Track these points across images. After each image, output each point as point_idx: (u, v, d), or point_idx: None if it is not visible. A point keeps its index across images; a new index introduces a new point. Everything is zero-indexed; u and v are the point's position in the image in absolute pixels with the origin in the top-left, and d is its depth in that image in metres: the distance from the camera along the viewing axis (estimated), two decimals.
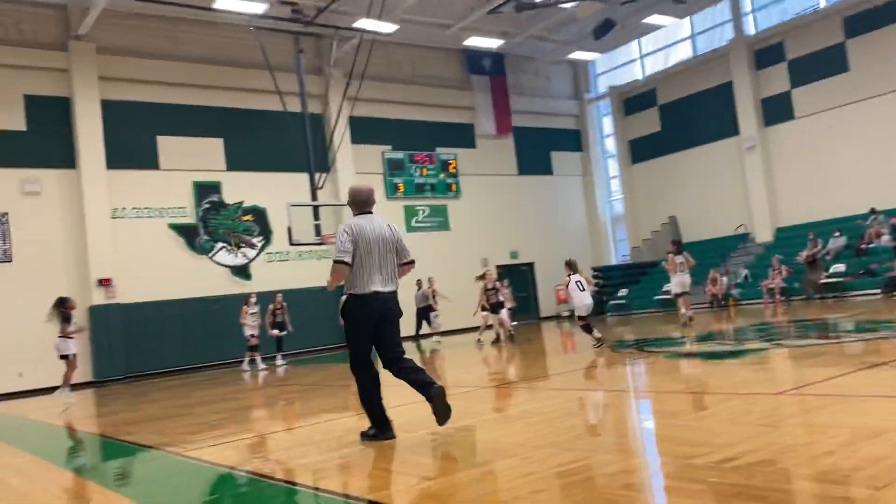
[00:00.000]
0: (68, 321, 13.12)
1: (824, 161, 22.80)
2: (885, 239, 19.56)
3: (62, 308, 13.11)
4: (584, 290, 12.05)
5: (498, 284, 16.85)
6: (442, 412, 5.37)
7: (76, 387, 17.29)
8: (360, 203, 5.65)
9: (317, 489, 4.35)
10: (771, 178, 24.27)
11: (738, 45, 24.52)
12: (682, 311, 14.92)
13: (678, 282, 15.21)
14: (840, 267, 19.70)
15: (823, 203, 22.63)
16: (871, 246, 19.93)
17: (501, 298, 16.37)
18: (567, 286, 12.19)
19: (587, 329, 11.93)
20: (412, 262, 5.69)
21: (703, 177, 26.07)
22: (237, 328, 20.39)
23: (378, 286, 5.41)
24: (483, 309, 16.66)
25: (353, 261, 5.37)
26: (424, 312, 19.53)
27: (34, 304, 18.01)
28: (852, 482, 3.18)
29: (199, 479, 5.23)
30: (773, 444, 4.01)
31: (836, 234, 20.76)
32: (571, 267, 12.21)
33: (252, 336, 16.47)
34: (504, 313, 16.25)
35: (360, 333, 5.44)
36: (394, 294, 5.54)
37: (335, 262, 5.39)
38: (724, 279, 21.79)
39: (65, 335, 13.07)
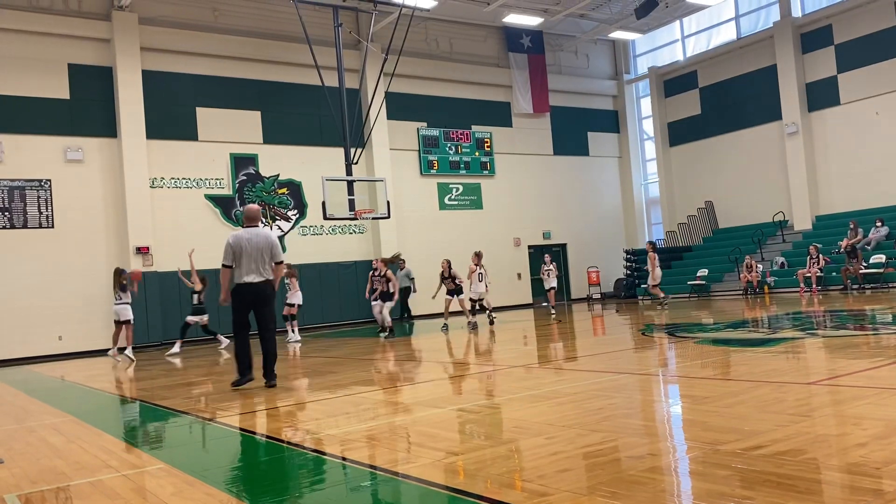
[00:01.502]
0: (124, 290, 14.45)
1: (868, 148, 22.27)
2: None
3: (119, 278, 14.45)
4: (481, 280, 15.28)
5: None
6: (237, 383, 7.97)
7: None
8: (248, 219, 8.25)
9: (345, 459, 4.43)
10: (812, 164, 23.77)
11: (784, 27, 23.94)
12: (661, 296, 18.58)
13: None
14: (880, 258, 19.29)
15: (865, 192, 22.14)
16: None
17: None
18: (472, 273, 15.24)
19: (474, 311, 15.46)
20: (280, 262, 8.17)
21: (743, 162, 25.64)
22: None
23: (250, 279, 7.85)
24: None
25: (234, 262, 7.88)
26: (406, 293, 19.33)
27: (74, 269, 18.50)
28: (884, 475, 3.15)
29: (229, 445, 5.35)
30: (803, 434, 3.98)
31: (878, 223, 20.31)
32: (479, 258, 15.32)
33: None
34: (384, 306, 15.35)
35: (236, 309, 7.93)
36: (264, 283, 7.91)
37: (221, 265, 8.04)
38: (760, 266, 21.48)
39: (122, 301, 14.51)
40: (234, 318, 7.96)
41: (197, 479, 4.13)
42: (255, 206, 8.48)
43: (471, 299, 15.60)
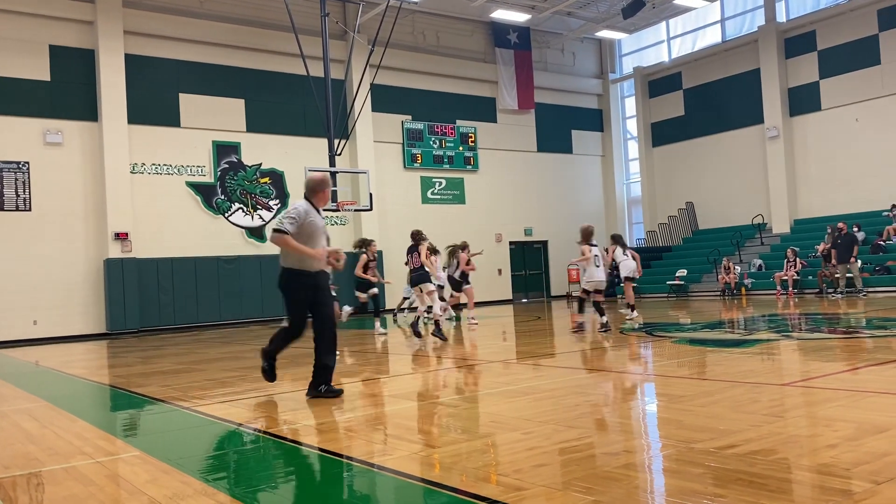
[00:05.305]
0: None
1: (848, 154, 22.55)
2: None
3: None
4: (598, 265, 11.46)
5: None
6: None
7: (92, 337, 17.60)
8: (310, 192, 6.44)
9: (321, 450, 4.43)
10: (792, 168, 24.03)
11: (769, 32, 24.14)
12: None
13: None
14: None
15: (844, 197, 22.42)
16: (889, 242, 19.77)
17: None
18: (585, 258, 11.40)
19: (582, 307, 11.76)
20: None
21: (724, 164, 25.86)
22: (249, 288, 20.61)
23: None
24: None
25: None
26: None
27: (51, 253, 18.29)
28: (853, 476, 3.20)
29: (206, 433, 5.33)
30: (775, 434, 4.03)
31: (855, 228, 20.56)
32: (590, 236, 11.57)
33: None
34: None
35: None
36: (281, 270, 6.31)
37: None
38: (738, 268, 21.69)
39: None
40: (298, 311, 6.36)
41: (172, 467, 4.11)
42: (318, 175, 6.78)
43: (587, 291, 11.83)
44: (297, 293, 6.19)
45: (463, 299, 15.35)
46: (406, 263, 12.10)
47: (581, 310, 11.72)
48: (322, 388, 6.21)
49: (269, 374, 6.54)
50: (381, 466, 3.90)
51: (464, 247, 15.13)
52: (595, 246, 11.48)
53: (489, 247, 25.60)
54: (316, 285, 6.23)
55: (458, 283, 15.09)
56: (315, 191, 6.41)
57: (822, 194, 23.24)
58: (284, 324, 6.43)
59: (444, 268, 15.47)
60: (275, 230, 6.15)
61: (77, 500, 3.56)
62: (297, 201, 6.42)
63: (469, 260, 15.14)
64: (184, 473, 3.95)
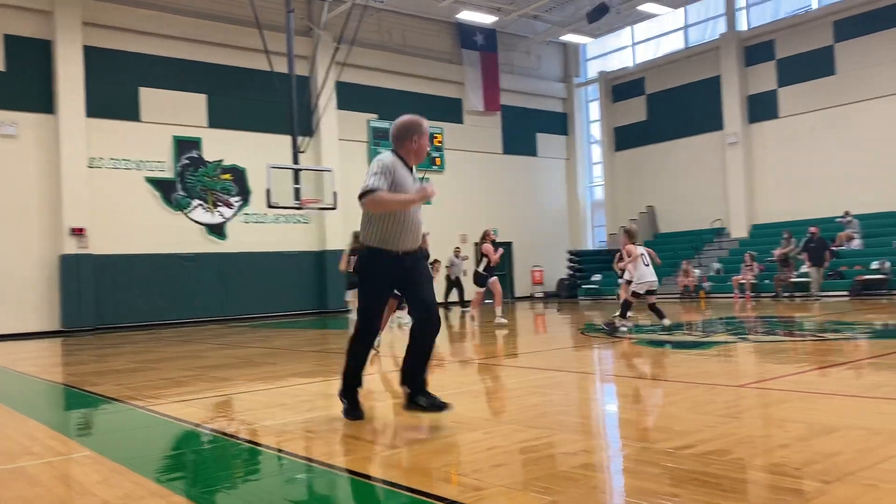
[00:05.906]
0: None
1: (804, 161, 23.07)
2: (856, 243, 19.90)
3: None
4: (647, 264, 11.12)
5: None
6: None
7: (46, 335, 17.16)
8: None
9: (280, 451, 4.37)
10: (751, 174, 24.51)
11: (729, 40, 24.59)
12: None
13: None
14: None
15: (800, 203, 22.93)
16: (842, 249, 20.26)
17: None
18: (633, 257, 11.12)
19: (626, 311, 11.43)
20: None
21: (684, 169, 26.26)
22: (209, 286, 20.39)
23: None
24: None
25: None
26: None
27: (3, 247, 17.84)
28: (804, 475, 3.27)
29: (161, 433, 5.23)
30: (730, 435, 4.10)
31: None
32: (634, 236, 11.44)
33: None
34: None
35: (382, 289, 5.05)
36: (362, 253, 5.00)
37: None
38: (697, 271, 22.05)
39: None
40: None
41: (125, 467, 4.03)
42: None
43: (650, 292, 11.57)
44: (376, 276, 4.79)
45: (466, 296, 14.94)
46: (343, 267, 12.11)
47: (624, 314, 11.44)
48: (422, 400, 4.76)
49: (354, 412, 4.99)
50: (341, 467, 3.87)
51: (485, 235, 14.17)
52: (641, 245, 11.55)
53: (452, 247, 25.61)
54: (409, 267, 4.79)
55: (483, 277, 14.28)
56: (403, 138, 4.84)
57: (779, 200, 23.74)
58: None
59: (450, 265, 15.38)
60: (361, 194, 4.72)
61: (24, 502, 3.47)
62: (381, 153, 4.92)
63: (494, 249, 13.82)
64: (137, 474, 3.87)
